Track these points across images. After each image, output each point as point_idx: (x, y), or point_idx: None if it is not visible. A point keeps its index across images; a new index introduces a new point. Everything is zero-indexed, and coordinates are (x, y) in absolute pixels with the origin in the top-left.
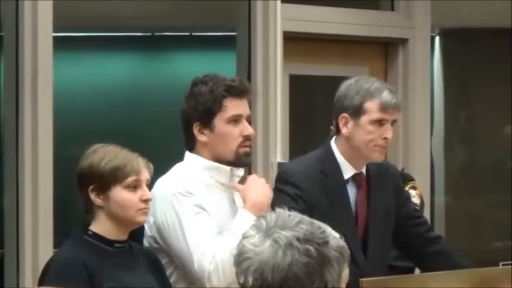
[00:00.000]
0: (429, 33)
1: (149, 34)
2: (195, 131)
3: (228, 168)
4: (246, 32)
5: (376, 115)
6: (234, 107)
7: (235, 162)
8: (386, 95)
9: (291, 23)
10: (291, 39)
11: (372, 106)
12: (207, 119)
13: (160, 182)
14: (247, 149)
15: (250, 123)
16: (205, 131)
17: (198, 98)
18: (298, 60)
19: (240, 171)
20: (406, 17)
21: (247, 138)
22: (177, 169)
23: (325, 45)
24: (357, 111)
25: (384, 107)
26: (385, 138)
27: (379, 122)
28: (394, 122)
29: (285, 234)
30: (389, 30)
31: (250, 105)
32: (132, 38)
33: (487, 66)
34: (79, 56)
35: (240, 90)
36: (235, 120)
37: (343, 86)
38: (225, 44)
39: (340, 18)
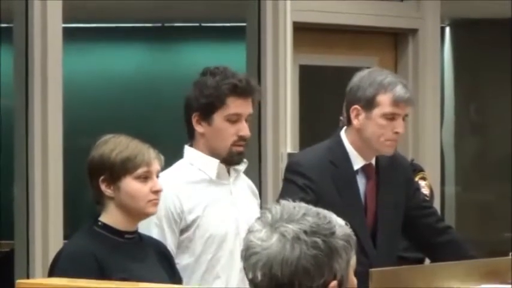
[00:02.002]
0: (439, 24)
1: (159, 25)
2: (194, 120)
3: (216, 161)
4: (255, 22)
5: (388, 109)
6: (236, 106)
7: (227, 159)
8: (399, 90)
9: (301, 14)
10: (301, 29)
11: (384, 99)
12: (206, 112)
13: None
14: (240, 149)
15: (247, 121)
16: (203, 123)
17: (203, 89)
18: (308, 50)
19: (241, 166)
20: (415, 7)
21: (242, 138)
22: (172, 168)
23: (335, 35)
24: (369, 104)
25: (396, 102)
26: (396, 133)
27: (391, 116)
28: (405, 116)
29: (292, 228)
30: (399, 20)
31: (254, 105)
32: (142, 29)
33: (497, 56)
34: (89, 47)
35: (244, 91)
36: (234, 118)
37: (357, 77)
38: (234, 34)
39: (349, 9)
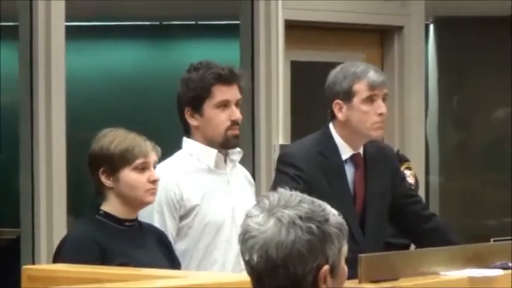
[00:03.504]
0: (423, 21)
1: (157, 23)
2: (187, 115)
3: (215, 150)
4: (249, 20)
5: (366, 93)
6: (222, 93)
7: (224, 144)
8: (372, 75)
9: (292, 12)
10: (292, 27)
11: (360, 87)
12: (196, 104)
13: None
14: (235, 132)
15: (238, 106)
16: (196, 116)
17: (189, 84)
18: (299, 47)
19: (236, 156)
20: (401, 5)
21: (234, 122)
22: (172, 158)
23: (324, 33)
24: (347, 95)
25: (372, 86)
26: (380, 114)
27: (370, 99)
28: (385, 96)
29: (288, 213)
30: (385, 18)
31: (241, 90)
32: (140, 27)
33: (479, 53)
34: (90, 44)
35: (228, 78)
36: (223, 105)
37: (331, 74)
38: (229, 32)
39: (338, 7)
